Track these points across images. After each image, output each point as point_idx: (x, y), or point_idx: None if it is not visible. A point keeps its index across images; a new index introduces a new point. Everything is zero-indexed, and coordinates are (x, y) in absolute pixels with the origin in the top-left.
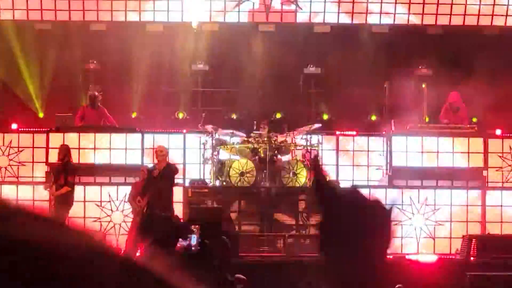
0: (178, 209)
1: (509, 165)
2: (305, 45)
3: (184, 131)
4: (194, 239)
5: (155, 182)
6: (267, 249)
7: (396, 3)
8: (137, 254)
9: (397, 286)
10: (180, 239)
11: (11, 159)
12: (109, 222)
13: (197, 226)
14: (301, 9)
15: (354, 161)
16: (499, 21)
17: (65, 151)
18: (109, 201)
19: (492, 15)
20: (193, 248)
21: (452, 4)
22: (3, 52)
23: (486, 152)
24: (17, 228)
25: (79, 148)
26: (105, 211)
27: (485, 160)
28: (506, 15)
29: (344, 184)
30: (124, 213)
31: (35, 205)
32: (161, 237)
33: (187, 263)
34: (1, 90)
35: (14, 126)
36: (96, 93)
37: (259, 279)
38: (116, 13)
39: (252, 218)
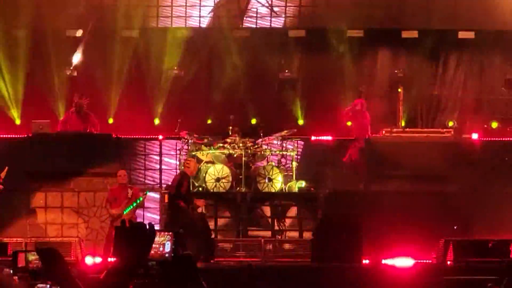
0: (155, 215)
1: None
2: (281, 50)
3: (160, 137)
4: (168, 246)
5: None
6: (244, 254)
7: (371, 6)
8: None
9: None
10: (154, 246)
11: None
12: (86, 228)
13: (170, 233)
14: (276, 14)
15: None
16: (476, 24)
17: None
18: (87, 207)
19: (469, 18)
20: (167, 255)
21: (428, 6)
22: None
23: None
24: None
25: (56, 154)
26: (82, 217)
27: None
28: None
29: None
30: (101, 219)
31: None
32: (135, 243)
33: (161, 270)
34: None
35: None
36: (81, 101)
37: (235, 284)
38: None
39: (228, 223)
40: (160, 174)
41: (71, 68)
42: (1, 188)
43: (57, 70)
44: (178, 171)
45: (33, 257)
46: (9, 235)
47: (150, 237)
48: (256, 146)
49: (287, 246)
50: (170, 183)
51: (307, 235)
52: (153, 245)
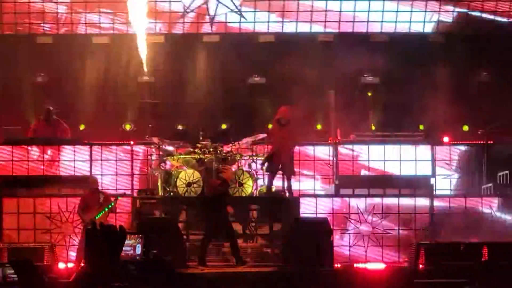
0: (127, 220)
1: (456, 173)
2: (250, 55)
3: (132, 142)
4: (138, 248)
5: None
6: (215, 259)
7: (340, 11)
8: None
9: None
10: (125, 248)
11: None
12: (59, 233)
13: (141, 235)
14: (246, 19)
15: (300, 170)
16: (445, 29)
17: None
18: (59, 213)
19: (438, 23)
20: (137, 257)
21: (397, 11)
22: None
23: (433, 160)
24: None
25: (28, 160)
26: (55, 223)
27: (433, 168)
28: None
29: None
30: (74, 224)
31: None
32: (106, 246)
33: (132, 272)
34: None
35: None
36: (51, 108)
37: None
38: (62, 25)
39: (199, 228)
40: (132, 179)
41: (42, 74)
42: None
43: (28, 77)
44: (153, 176)
45: (9, 270)
46: None
47: (121, 240)
48: (226, 150)
49: (258, 251)
50: (210, 189)
51: (278, 239)
52: (125, 248)
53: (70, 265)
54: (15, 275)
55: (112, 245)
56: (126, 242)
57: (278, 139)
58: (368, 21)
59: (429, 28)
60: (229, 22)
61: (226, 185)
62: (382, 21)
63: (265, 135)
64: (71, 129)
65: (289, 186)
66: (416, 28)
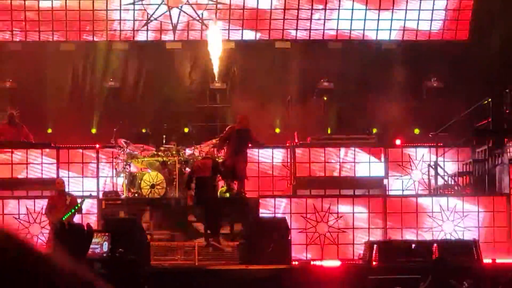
0: (92, 220)
1: (407, 174)
2: (211, 61)
3: (97, 145)
4: (105, 246)
5: None
6: (179, 258)
7: (297, 19)
8: None
9: None
10: (92, 246)
11: None
12: (27, 234)
13: (107, 233)
14: (207, 27)
15: (259, 172)
16: (398, 36)
17: None
18: (27, 214)
19: (404, 30)
20: (104, 254)
21: (352, 19)
22: None
23: (386, 161)
24: None
25: None
26: (23, 223)
27: (386, 170)
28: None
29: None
30: (41, 225)
31: None
32: (73, 244)
33: (99, 268)
34: None
35: None
36: (14, 112)
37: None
38: (30, 33)
39: (163, 228)
40: (98, 182)
41: (10, 80)
42: None
43: None
44: (118, 178)
45: None
46: None
47: (88, 238)
48: (188, 153)
49: (219, 249)
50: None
51: (238, 238)
52: (92, 246)
53: None
54: None
55: (80, 243)
56: (94, 240)
57: (232, 144)
58: (324, 29)
59: (383, 36)
60: (192, 30)
61: (216, 163)
62: (337, 29)
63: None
64: (39, 133)
65: (240, 189)
66: (371, 35)
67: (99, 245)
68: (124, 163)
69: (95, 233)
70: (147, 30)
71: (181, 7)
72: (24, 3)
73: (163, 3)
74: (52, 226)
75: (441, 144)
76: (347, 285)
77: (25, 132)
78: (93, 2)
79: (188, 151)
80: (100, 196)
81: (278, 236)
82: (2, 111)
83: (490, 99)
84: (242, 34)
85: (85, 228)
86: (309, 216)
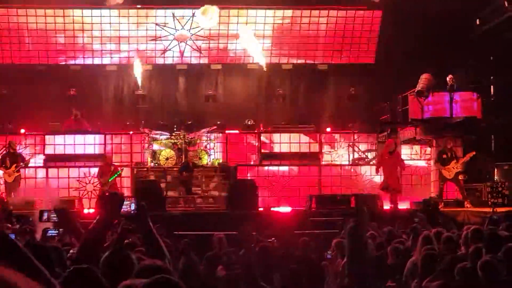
0: (127, 182)
1: (334, 150)
2: (205, 77)
3: (131, 132)
4: (133, 205)
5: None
6: (183, 206)
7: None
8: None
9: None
10: (123, 206)
11: None
12: (84, 190)
13: (133, 197)
14: (202, 53)
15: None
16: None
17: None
18: (84, 177)
19: (332, 57)
20: (132, 211)
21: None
22: None
23: (320, 142)
24: None
25: (64, 145)
26: (82, 183)
27: (320, 148)
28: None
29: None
30: (94, 184)
31: None
32: (111, 205)
33: (127, 222)
34: None
35: None
36: (77, 112)
37: (178, 225)
38: (87, 57)
39: (174, 187)
40: (131, 156)
41: (74, 89)
42: None
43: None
44: (145, 153)
45: (52, 214)
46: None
47: (120, 201)
48: (191, 137)
49: (211, 199)
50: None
51: (224, 193)
52: (124, 206)
53: (91, 211)
54: (56, 218)
55: (115, 204)
56: (125, 202)
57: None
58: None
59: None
60: (193, 57)
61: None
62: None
63: (215, 127)
64: (93, 124)
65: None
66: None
67: (129, 205)
68: (148, 144)
69: (126, 197)
70: (164, 56)
71: (186, 41)
72: (83, 38)
73: (174, 39)
74: (101, 185)
75: (356, 131)
76: (295, 224)
77: (85, 125)
78: (128, 37)
79: (191, 135)
80: (133, 165)
81: (250, 191)
82: (69, 111)
83: (388, 102)
84: (227, 59)
85: (120, 195)
86: (270, 178)
